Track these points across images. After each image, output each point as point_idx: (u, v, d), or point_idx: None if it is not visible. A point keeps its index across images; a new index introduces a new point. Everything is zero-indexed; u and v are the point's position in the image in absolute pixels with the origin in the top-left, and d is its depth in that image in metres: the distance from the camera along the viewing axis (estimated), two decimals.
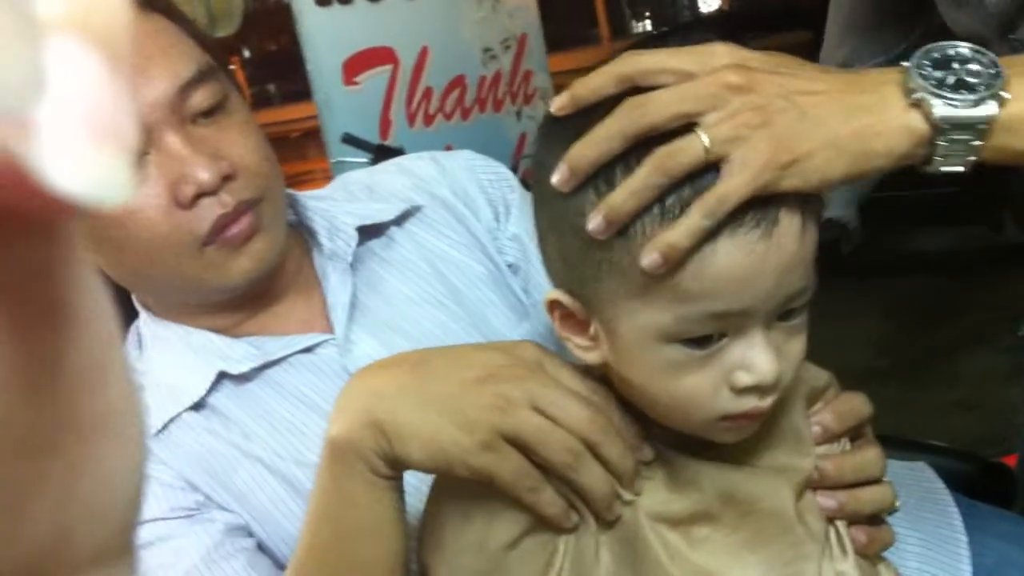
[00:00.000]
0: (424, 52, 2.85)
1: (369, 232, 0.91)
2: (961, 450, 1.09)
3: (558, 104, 0.60)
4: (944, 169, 0.60)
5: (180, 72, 0.78)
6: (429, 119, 2.85)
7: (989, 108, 0.58)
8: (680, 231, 0.55)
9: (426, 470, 0.64)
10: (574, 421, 0.61)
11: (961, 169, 0.60)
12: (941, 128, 0.58)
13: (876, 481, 0.69)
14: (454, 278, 0.91)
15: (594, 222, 0.57)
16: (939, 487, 0.89)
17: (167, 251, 0.79)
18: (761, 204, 0.56)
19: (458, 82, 2.94)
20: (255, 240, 0.81)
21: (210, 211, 0.78)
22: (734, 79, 0.57)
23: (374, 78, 2.75)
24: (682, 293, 0.57)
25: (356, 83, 2.72)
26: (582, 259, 0.60)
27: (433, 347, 0.68)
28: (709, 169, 0.56)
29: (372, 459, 0.63)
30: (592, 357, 0.64)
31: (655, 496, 0.64)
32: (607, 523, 0.64)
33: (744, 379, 0.59)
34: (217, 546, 0.77)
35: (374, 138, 2.68)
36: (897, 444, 0.80)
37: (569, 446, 0.61)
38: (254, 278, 0.82)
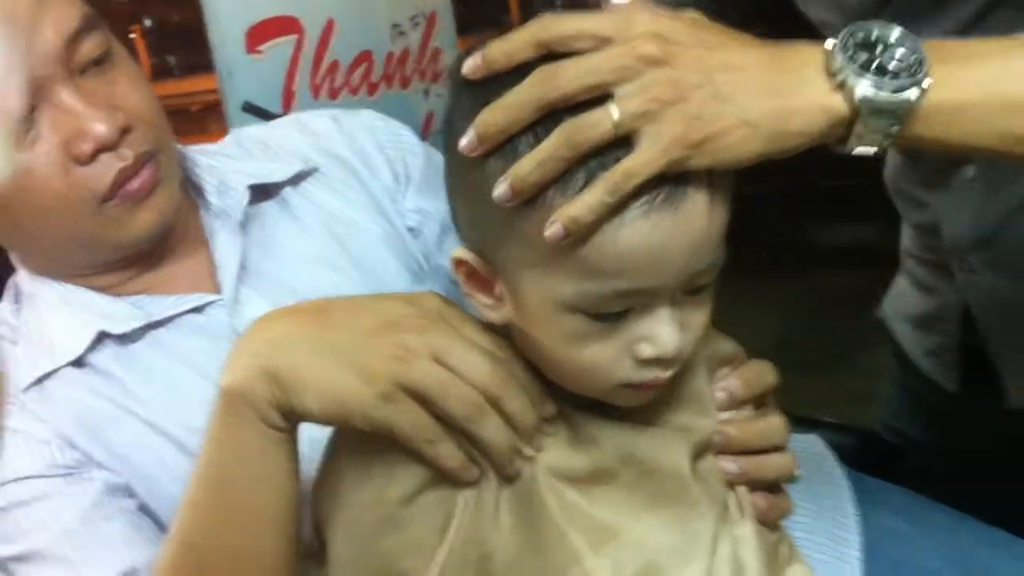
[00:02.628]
0: (330, 24, 2.78)
1: (262, 192, 0.88)
2: (848, 424, 1.11)
3: (470, 66, 0.58)
4: (858, 151, 0.59)
5: (66, 22, 0.74)
6: (334, 92, 2.80)
7: (910, 94, 0.58)
8: (582, 205, 0.54)
9: (322, 422, 0.62)
10: (476, 373, 0.60)
11: (873, 151, 0.59)
12: (860, 111, 0.57)
13: (779, 449, 0.69)
14: (350, 239, 0.88)
15: (499, 190, 0.56)
16: (829, 459, 0.90)
17: (64, 211, 0.75)
18: (670, 181, 0.55)
19: (365, 57, 2.89)
20: (156, 193, 0.78)
21: (110, 166, 0.75)
22: (650, 50, 0.55)
23: (278, 47, 2.68)
24: (587, 268, 0.56)
25: (259, 52, 2.65)
26: (488, 223, 0.59)
27: (334, 297, 0.66)
28: (619, 143, 0.55)
29: (266, 410, 0.61)
30: (496, 316, 0.63)
31: (556, 453, 0.64)
32: (507, 479, 0.63)
33: (647, 351, 0.59)
34: (96, 506, 0.74)
35: (277, 109, 2.61)
36: (790, 419, 0.80)
37: (470, 399, 0.60)
38: (155, 233, 0.79)
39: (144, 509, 0.76)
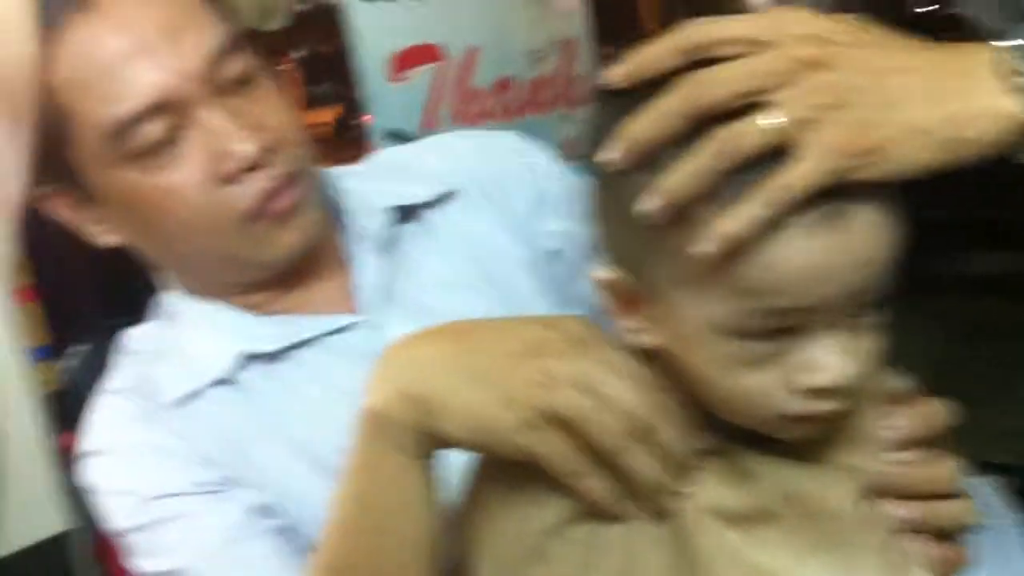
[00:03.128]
0: (472, 51, 2.83)
1: (403, 213, 0.88)
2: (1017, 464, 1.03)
3: (614, 76, 0.56)
4: None
5: (209, 41, 0.75)
6: (475, 119, 2.84)
7: None
8: (737, 220, 0.50)
9: (465, 448, 0.60)
10: (622, 402, 0.57)
11: None
12: None
13: (953, 495, 0.63)
14: (490, 262, 0.88)
15: (645, 205, 0.53)
16: (995, 503, 0.84)
17: (210, 229, 0.76)
18: (833, 194, 0.51)
19: (505, 83, 2.92)
20: (299, 213, 0.79)
21: (254, 186, 0.76)
22: (808, 52, 0.52)
23: (421, 75, 2.74)
24: (741, 286, 0.52)
25: (402, 79, 2.72)
26: (636, 241, 0.56)
27: (477, 319, 0.65)
28: (776, 154, 0.51)
29: (407, 434, 0.60)
30: (644, 341, 0.59)
31: (711, 489, 0.60)
32: (658, 516, 0.60)
33: (809, 380, 0.55)
34: (239, 525, 0.74)
35: (418, 136, 2.67)
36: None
37: (616, 429, 0.57)
38: (299, 252, 0.80)
39: (285, 529, 0.76)
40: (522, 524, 0.61)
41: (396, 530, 0.62)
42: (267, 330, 0.81)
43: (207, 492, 0.76)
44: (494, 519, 0.62)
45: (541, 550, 0.60)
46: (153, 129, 0.73)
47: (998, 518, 0.82)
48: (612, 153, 0.54)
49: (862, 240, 0.52)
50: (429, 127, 2.73)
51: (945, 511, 0.62)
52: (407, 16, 2.71)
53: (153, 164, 0.74)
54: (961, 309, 3.41)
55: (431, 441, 0.60)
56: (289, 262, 0.81)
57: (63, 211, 0.81)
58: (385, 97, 2.68)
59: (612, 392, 0.57)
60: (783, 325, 0.54)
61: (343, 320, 0.83)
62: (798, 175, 0.50)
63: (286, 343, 0.81)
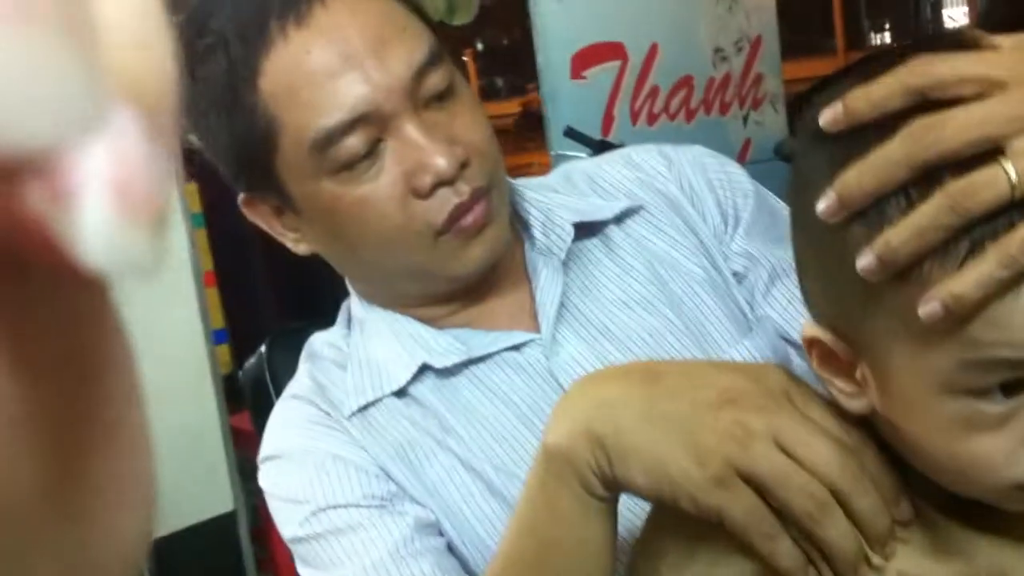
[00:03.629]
0: (654, 49, 2.79)
1: (586, 229, 0.86)
2: None
3: (830, 118, 0.51)
4: None
5: (415, 55, 0.75)
6: (653, 118, 2.79)
7: None
8: (969, 280, 0.46)
9: (646, 497, 0.58)
10: (822, 464, 0.54)
11: None
12: None
13: None
14: (672, 282, 0.85)
15: (865, 262, 0.48)
16: None
17: (401, 242, 0.77)
18: None
19: (686, 82, 2.87)
20: (488, 228, 0.78)
21: (447, 200, 0.76)
22: None
23: (601, 73, 2.71)
24: (971, 341, 0.48)
25: (583, 77, 2.70)
26: (849, 296, 0.52)
27: (671, 360, 0.62)
28: (1014, 206, 0.46)
29: (587, 475, 0.57)
30: (858, 405, 0.55)
31: (911, 562, 0.56)
32: None
33: None
34: (407, 541, 0.74)
35: (596, 134, 2.64)
36: None
37: (813, 492, 0.53)
38: (485, 267, 0.80)
39: (451, 547, 0.76)
40: None
41: (571, 569, 0.60)
42: (445, 343, 0.81)
43: (378, 506, 0.76)
44: (671, 571, 0.59)
45: None
46: (356, 142, 0.74)
47: None
48: (829, 204, 0.50)
49: None
50: (608, 125, 2.71)
51: None
52: (591, 12, 2.69)
53: (352, 176, 0.75)
54: None
55: (612, 484, 0.58)
56: (476, 277, 0.80)
57: (261, 216, 0.83)
58: (566, 94, 2.67)
59: (811, 453, 0.54)
60: (1016, 378, 0.49)
61: (521, 337, 0.82)
62: None
63: (463, 358, 0.80)
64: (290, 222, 0.81)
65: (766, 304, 0.85)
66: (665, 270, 0.85)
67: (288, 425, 0.81)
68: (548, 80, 2.68)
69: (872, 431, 0.57)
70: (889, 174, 0.48)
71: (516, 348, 0.81)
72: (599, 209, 0.86)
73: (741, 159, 3.01)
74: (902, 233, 0.47)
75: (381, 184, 0.75)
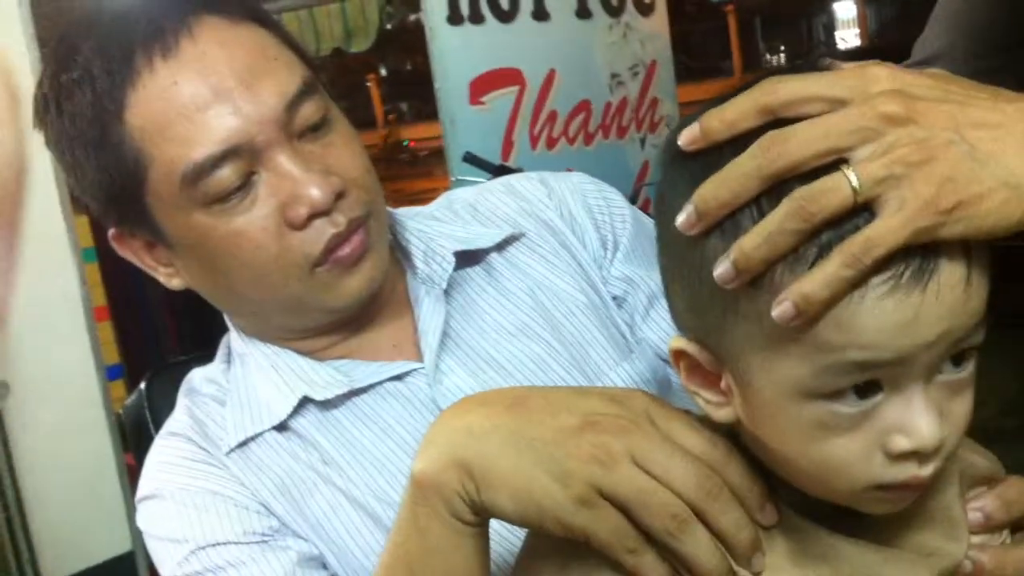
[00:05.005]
0: (552, 75, 2.83)
1: (468, 257, 0.86)
2: None
3: (688, 138, 0.53)
4: None
5: (287, 87, 0.75)
6: (552, 142, 2.83)
7: None
8: (817, 281, 0.48)
9: (513, 522, 0.58)
10: (680, 482, 0.55)
11: None
12: None
13: None
14: (554, 308, 0.85)
15: (721, 269, 0.50)
16: None
17: (278, 274, 0.76)
18: (919, 252, 0.49)
19: (583, 107, 2.91)
20: (365, 259, 0.78)
21: (322, 231, 0.75)
22: (892, 108, 0.49)
23: (500, 99, 2.74)
24: (822, 344, 0.50)
25: (482, 103, 2.72)
26: (710, 306, 0.53)
27: (533, 386, 0.63)
28: (857, 213, 0.49)
29: (455, 502, 0.58)
30: (723, 415, 0.57)
31: (781, 572, 0.57)
32: None
33: (902, 444, 0.51)
34: None
35: (496, 159, 2.66)
36: None
37: (672, 510, 0.54)
38: (363, 299, 0.79)
39: None
40: None
41: None
42: (326, 375, 0.80)
43: (259, 542, 0.75)
44: None
45: None
46: (227, 174, 0.73)
47: None
48: (687, 217, 0.52)
49: (948, 295, 0.50)
50: (506, 151, 2.73)
51: None
52: (489, 39, 2.72)
53: (225, 209, 0.74)
54: None
55: (480, 510, 0.58)
56: (355, 308, 0.80)
57: (133, 251, 0.81)
58: (465, 120, 2.69)
59: (671, 471, 0.55)
60: (868, 380, 0.51)
61: (403, 366, 0.81)
62: (881, 233, 0.48)
63: (345, 389, 0.79)
64: (163, 256, 0.80)
65: (645, 326, 0.87)
66: (547, 296, 0.86)
67: (165, 463, 0.79)
68: (447, 106, 2.70)
69: (740, 441, 0.58)
70: (741, 186, 0.50)
71: (399, 378, 0.81)
72: (480, 237, 0.87)
73: (639, 181, 3.07)
74: (754, 240, 0.49)
75: (255, 216, 0.74)
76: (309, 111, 0.76)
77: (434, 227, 0.88)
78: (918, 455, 0.52)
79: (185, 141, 0.73)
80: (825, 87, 0.51)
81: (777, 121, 0.51)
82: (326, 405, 0.80)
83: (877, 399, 0.51)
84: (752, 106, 0.52)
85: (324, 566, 0.76)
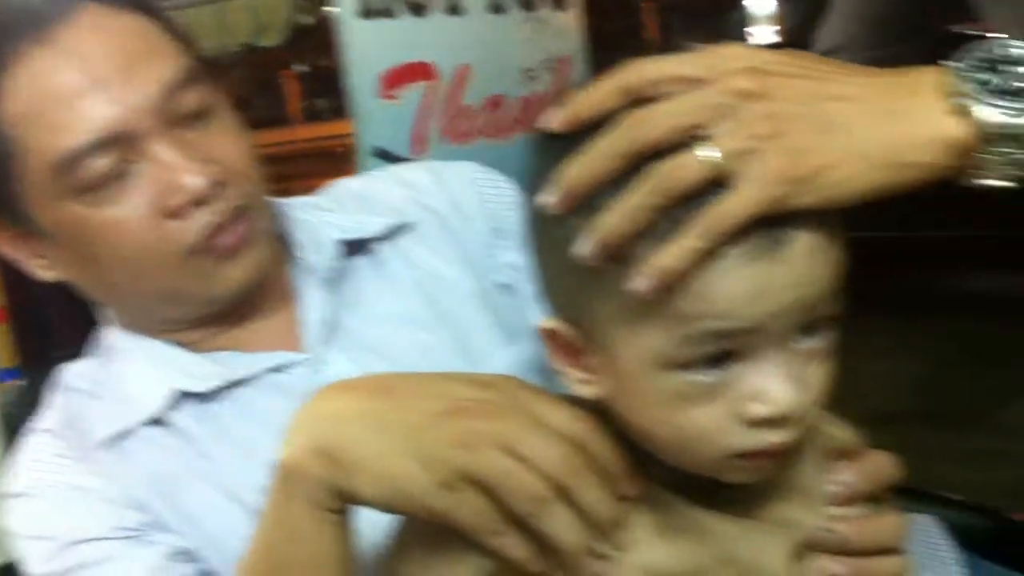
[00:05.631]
0: (464, 69, 2.81)
1: (353, 247, 0.85)
2: (975, 504, 1.01)
3: (555, 120, 0.54)
4: (986, 184, 0.53)
5: (166, 74, 0.74)
6: (465, 136, 2.82)
7: None
8: (673, 253, 0.49)
9: (377, 508, 0.58)
10: (543, 462, 0.55)
11: (1007, 184, 0.53)
12: (986, 138, 0.52)
13: (895, 552, 0.62)
14: (441, 297, 0.85)
15: (584, 246, 0.51)
16: (942, 545, 0.82)
17: (156, 263, 0.75)
18: (772, 224, 0.50)
19: (497, 101, 2.90)
20: (246, 249, 0.77)
21: (201, 220, 0.74)
22: (746, 84, 0.51)
23: (412, 92, 2.72)
24: (680, 314, 0.51)
25: (393, 97, 2.69)
26: (575, 284, 0.55)
27: (402, 372, 0.63)
28: (714, 188, 0.50)
29: (318, 489, 0.57)
30: (590, 392, 0.58)
31: (644, 548, 0.58)
32: None
33: (758, 410, 0.53)
34: (157, 570, 0.72)
35: (407, 153, 2.65)
36: (902, 494, 0.74)
37: (533, 491, 0.55)
38: (244, 289, 0.78)
39: (210, 575, 0.74)
40: None
41: None
42: (204, 368, 0.79)
43: (127, 537, 0.73)
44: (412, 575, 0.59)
45: None
46: (102, 162, 0.72)
47: (941, 559, 0.80)
48: (549, 197, 0.53)
49: (801, 264, 0.51)
50: (418, 145, 2.71)
51: (885, 568, 0.61)
52: (401, 33, 2.69)
53: (100, 198, 0.73)
54: (947, 330, 3.38)
55: (343, 497, 0.58)
56: (235, 299, 0.79)
57: (4, 242, 0.79)
58: (374, 114, 2.66)
59: (534, 452, 0.55)
60: (724, 350, 0.52)
61: (284, 358, 0.80)
62: (734, 204, 0.50)
63: (221, 381, 0.78)
64: (36, 248, 0.78)
65: (533, 313, 0.87)
66: (433, 284, 0.86)
67: (34, 460, 0.77)
68: (357, 100, 2.67)
69: (609, 419, 0.59)
70: (604, 164, 0.51)
71: (280, 369, 0.80)
72: (365, 226, 0.86)
73: None
74: (613, 216, 0.50)
75: (132, 205, 0.73)
76: (189, 100, 0.75)
77: (319, 217, 0.87)
78: (774, 422, 0.53)
79: (59, 129, 0.71)
80: (683, 67, 0.53)
81: (640, 102, 0.52)
82: (204, 398, 0.78)
83: (732, 367, 0.53)
84: (615, 88, 0.53)
85: (195, 560, 0.74)
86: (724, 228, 0.49)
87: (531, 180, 0.57)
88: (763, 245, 0.50)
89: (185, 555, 0.74)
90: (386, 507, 0.57)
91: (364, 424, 0.57)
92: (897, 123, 0.52)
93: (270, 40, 3.08)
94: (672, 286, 0.50)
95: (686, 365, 0.53)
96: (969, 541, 0.85)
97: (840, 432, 0.64)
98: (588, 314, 0.55)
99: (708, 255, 0.50)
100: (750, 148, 0.50)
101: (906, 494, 0.71)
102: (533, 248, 0.59)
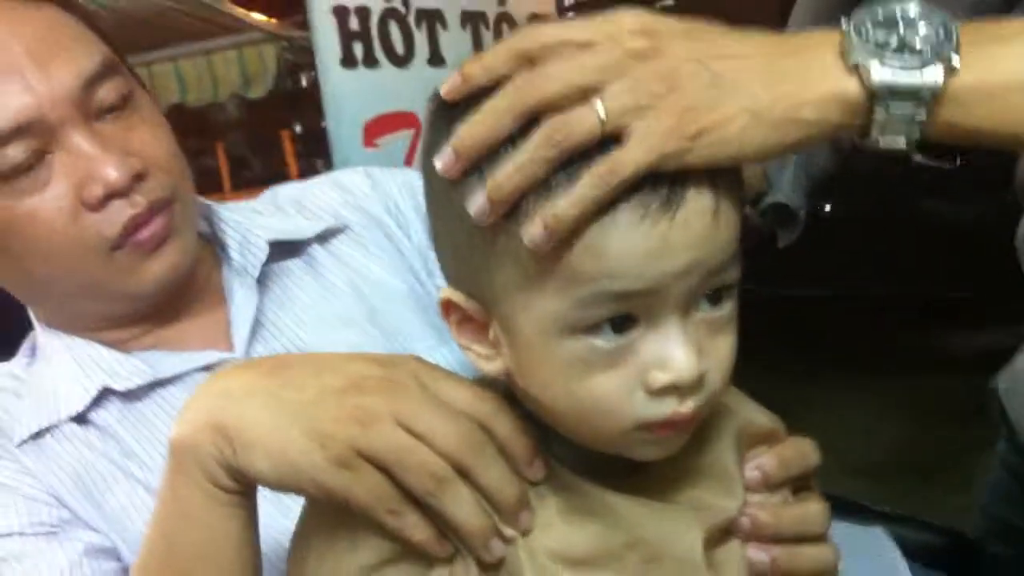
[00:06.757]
0: None
1: (286, 249, 0.85)
2: (922, 519, 0.99)
3: (449, 87, 0.53)
4: (883, 144, 0.53)
5: (83, 65, 0.73)
6: None
7: (934, 75, 0.51)
8: (566, 200, 0.49)
9: (272, 485, 0.56)
10: (443, 439, 0.54)
11: (901, 144, 0.53)
12: (879, 95, 0.51)
13: (817, 539, 0.60)
14: (375, 298, 0.84)
15: (476, 204, 0.50)
16: (893, 554, 0.80)
17: (74, 257, 0.73)
18: (664, 180, 0.49)
19: None
20: (168, 244, 0.76)
21: (120, 212, 0.73)
22: (637, 44, 0.51)
23: (394, 142, 2.73)
24: (576, 273, 0.50)
25: (376, 145, 2.71)
26: (471, 250, 0.53)
27: (302, 352, 0.61)
28: (605, 143, 0.49)
29: (212, 466, 0.56)
30: (493, 367, 0.56)
31: (551, 530, 0.56)
32: (488, 557, 0.55)
33: (660, 378, 0.51)
34: (74, 566, 0.70)
35: None
36: (854, 508, 0.71)
37: (431, 469, 0.53)
38: (166, 285, 0.77)
39: (127, 572, 0.72)
40: (338, 563, 0.56)
41: (203, 567, 0.58)
42: (130, 367, 0.78)
43: (46, 533, 0.71)
44: (313, 558, 0.58)
45: None
46: (16, 153, 0.71)
47: (886, 562, 0.78)
48: (446, 159, 0.52)
49: (697, 224, 0.50)
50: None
51: (807, 556, 0.59)
52: (384, 83, 2.71)
53: (16, 189, 0.72)
54: (922, 388, 3.37)
55: (238, 475, 0.56)
56: (156, 294, 0.77)
57: None
58: (358, 162, 2.67)
59: (433, 430, 0.54)
60: (623, 314, 0.51)
61: (213, 357, 0.79)
62: (628, 157, 0.49)
63: (147, 380, 0.77)
64: None
65: None
66: (367, 287, 0.85)
67: None
68: (340, 149, 2.68)
69: (516, 401, 0.57)
70: (496, 122, 0.50)
71: (209, 369, 0.78)
72: (298, 228, 0.86)
73: None
74: (506, 170, 0.49)
75: (48, 196, 0.72)
76: (108, 91, 0.74)
77: (252, 219, 0.87)
78: (677, 390, 0.52)
79: None
80: (576, 32, 0.52)
81: (534, 66, 0.51)
82: (130, 397, 0.77)
83: (634, 334, 0.51)
84: (508, 52, 0.52)
85: (118, 558, 0.72)
86: (617, 177, 0.49)
87: (425, 150, 0.56)
88: (658, 205, 0.49)
89: (105, 552, 0.72)
90: (280, 485, 0.56)
91: (259, 400, 0.56)
92: (790, 81, 0.51)
93: (257, 92, 3.10)
94: (566, 241, 0.49)
95: (584, 330, 0.51)
96: (918, 554, 0.83)
97: (761, 416, 0.62)
98: (485, 282, 0.54)
99: (602, 210, 0.49)
100: (642, 105, 0.49)
101: (858, 510, 0.69)
102: (431, 218, 0.58)
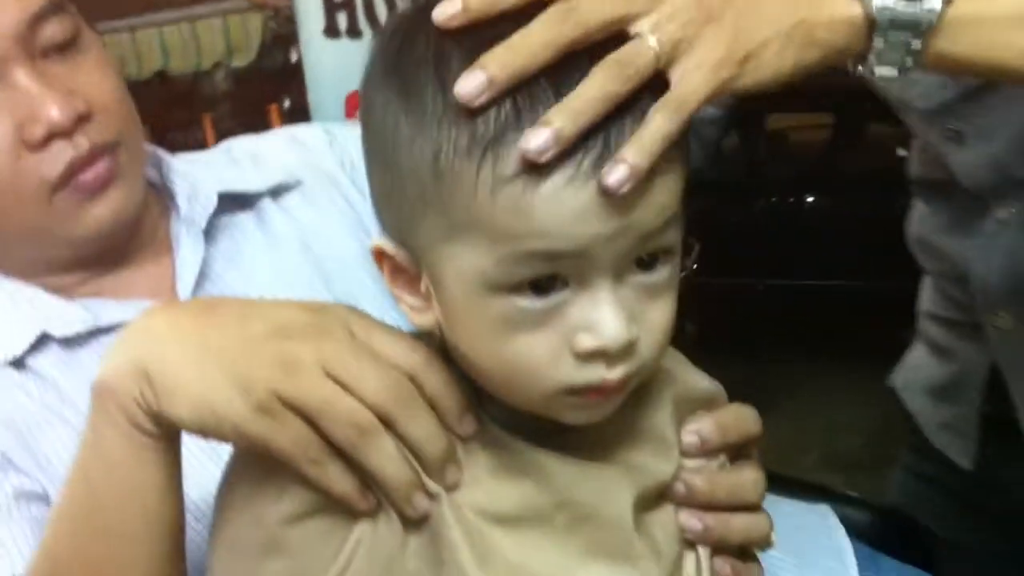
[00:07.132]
0: None
1: (237, 201, 0.83)
2: (867, 500, 0.99)
3: (447, 14, 0.49)
4: (878, 71, 0.57)
5: (28, 2, 0.72)
6: None
7: (932, 3, 0.56)
8: (636, 143, 0.48)
9: (193, 431, 0.55)
10: (369, 389, 0.52)
11: (895, 73, 0.57)
12: (879, 22, 0.55)
13: (753, 508, 0.60)
14: (326, 257, 0.83)
15: (540, 139, 0.47)
16: (838, 532, 0.79)
17: (13, 198, 0.72)
18: (598, 140, 0.48)
19: None
20: (112, 188, 0.74)
21: (63, 154, 0.72)
22: None
23: None
24: (502, 231, 0.48)
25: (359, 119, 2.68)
26: (402, 197, 0.52)
27: (231, 297, 0.60)
28: (578, 81, 0.48)
29: (133, 409, 0.55)
30: (424, 320, 0.55)
31: (479, 487, 0.55)
32: (413, 511, 0.54)
33: (587, 342, 0.50)
34: (1, 509, 0.68)
35: None
36: (803, 487, 0.71)
37: (356, 419, 0.52)
38: (109, 230, 0.75)
39: None
40: (261, 512, 0.55)
41: (119, 516, 0.57)
42: (71, 313, 0.76)
43: None
44: (236, 506, 0.56)
45: (279, 540, 0.54)
46: None
47: (832, 539, 0.77)
48: (473, 84, 0.48)
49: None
50: None
51: (740, 524, 0.59)
52: (364, 52, 2.68)
53: None
54: None
55: (159, 419, 0.55)
56: (98, 239, 0.76)
57: None
58: None
59: (360, 380, 0.52)
60: (551, 274, 0.49)
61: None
62: (689, 91, 0.50)
63: (88, 327, 0.75)
64: None
65: None
66: (320, 246, 0.84)
67: None
68: (321, 120, 2.65)
69: (449, 356, 0.56)
70: (534, 55, 0.48)
71: None
72: (248, 181, 0.84)
73: None
74: (576, 104, 0.47)
75: None
76: (54, 29, 0.73)
77: (203, 170, 0.85)
78: (606, 355, 0.50)
79: None
80: None
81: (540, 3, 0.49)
82: (69, 344, 0.75)
83: (562, 296, 0.50)
84: None
85: (48, 504, 0.70)
86: (685, 112, 0.49)
87: (382, 82, 0.53)
88: (589, 164, 0.48)
89: (35, 497, 0.70)
90: (202, 431, 0.55)
91: (183, 343, 0.54)
92: (808, 6, 0.55)
93: (241, 61, 3.08)
94: (493, 198, 0.48)
95: (510, 289, 0.50)
96: (864, 534, 0.82)
97: (702, 382, 0.61)
98: (415, 230, 0.52)
99: (531, 170, 0.47)
100: (689, 35, 0.50)
101: (807, 488, 0.69)
102: (369, 166, 0.56)
